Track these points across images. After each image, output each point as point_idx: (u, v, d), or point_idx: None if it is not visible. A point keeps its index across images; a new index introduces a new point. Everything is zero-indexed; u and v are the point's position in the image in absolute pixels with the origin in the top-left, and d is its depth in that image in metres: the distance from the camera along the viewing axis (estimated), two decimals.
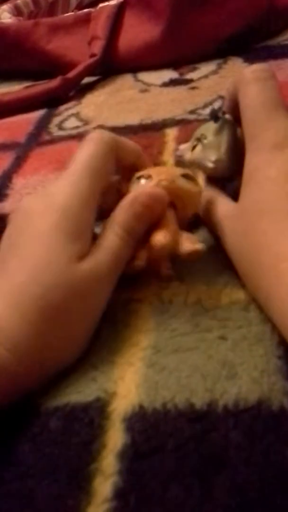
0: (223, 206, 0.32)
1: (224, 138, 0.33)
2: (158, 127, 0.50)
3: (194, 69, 0.64)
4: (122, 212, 0.30)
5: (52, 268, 0.27)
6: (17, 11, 0.79)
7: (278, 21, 0.70)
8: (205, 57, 0.65)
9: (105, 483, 0.22)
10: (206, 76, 0.61)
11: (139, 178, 0.32)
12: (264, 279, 0.27)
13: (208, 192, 0.33)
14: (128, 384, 0.26)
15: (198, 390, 0.24)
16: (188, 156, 0.35)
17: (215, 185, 0.34)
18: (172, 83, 0.62)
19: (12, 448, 0.24)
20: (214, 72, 0.62)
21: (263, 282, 0.27)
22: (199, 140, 0.34)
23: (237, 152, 0.33)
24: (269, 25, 0.69)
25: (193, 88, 0.59)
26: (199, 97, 0.56)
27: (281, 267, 0.25)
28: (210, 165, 0.33)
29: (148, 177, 0.32)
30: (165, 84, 0.62)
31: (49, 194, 0.30)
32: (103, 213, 0.31)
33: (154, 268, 0.31)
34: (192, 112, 0.53)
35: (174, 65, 0.65)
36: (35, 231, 0.28)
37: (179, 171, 0.32)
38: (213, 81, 0.60)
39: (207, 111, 0.52)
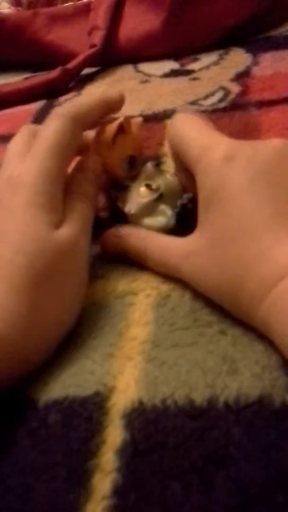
0: (174, 247, 0.30)
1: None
2: (159, 118, 0.50)
3: (195, 59, 0.63)
4: (82, 183, 0.33)
5: (33, 238, 0.28)
6: (16, 1, 0.78)
7: (280, 12, 0.69)
8: (207, 48, 0.64)
9: (104, 479, 0.21)
10: (207, 67, 0.60)
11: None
12: (257, 308, 0.25)
13: (142, 242, 0.32)
14: (127, 378, 0.25)
15: (198, 386, 0.24)
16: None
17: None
18: (173, 73, 0.61)
19: (10, 443, 0.23)
20: (216, 63, 0.61)
21: (257, 311, 0.25)
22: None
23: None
24: (271, 16, 0.68)
25: (194, 79, 0.58)
26: (200, 88, 0.55)
27: (273, 293, 0.24)
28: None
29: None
30: (166, 75, 0.61)
31: (15, 175, 0.30)
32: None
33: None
34: (193, 103, 0.52)
35: (175, 56, 0.65)
36: (6, 210, 0.29)
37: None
38: (215, 71, 0.59)
39: (209, 102, 0.52)
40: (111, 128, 0.34)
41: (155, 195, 0.33)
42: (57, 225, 0.29)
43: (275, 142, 0.28)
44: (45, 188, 0.29)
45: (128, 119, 0.35)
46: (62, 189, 0.31)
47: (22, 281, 0.26)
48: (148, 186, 0.34)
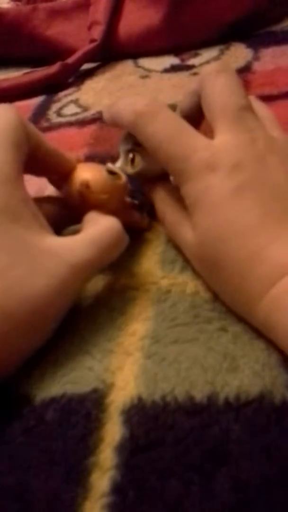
0: (182, 231, 0.30)
1: None
2: None
3: (196, 55, 0.63)
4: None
5: (9, 246, 0.25)
6: None
7: (281, 7, 0.69)
8: (207, 43, 0.64)
9: (102, 477, 0.21)
10: (208, 62, 0.60)
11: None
12: (255, 307, 0.25)
13: (172, 216, 0.31)
14: (126, 375, 0.25)
15: (198, 383, 0.24)
16: (130, 170, 0.33)
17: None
18: (173, 69, 0.61)
19: (7, 441, 0.23)
20: (216, 58, 0.61)
21: (256, 311, 0.25)
22: (132, 151, 0.33)
23: None
24: (272, 11, 0.68)
25: (195, 74, 0.58)
26: None
27: (272, 293, 0.24)
28: (159, 168, 0.31)
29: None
30: (166, 70, 0.61)
31: None
32: None
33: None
34: None
35: (175, 51, 0.64)
36: None
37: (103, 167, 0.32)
38: None
39: None
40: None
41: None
42: (34, 230, 0.27)
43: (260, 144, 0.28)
44: (4, 190, 0.26)
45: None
46: (24, 187, 0.28)
47: None
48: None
